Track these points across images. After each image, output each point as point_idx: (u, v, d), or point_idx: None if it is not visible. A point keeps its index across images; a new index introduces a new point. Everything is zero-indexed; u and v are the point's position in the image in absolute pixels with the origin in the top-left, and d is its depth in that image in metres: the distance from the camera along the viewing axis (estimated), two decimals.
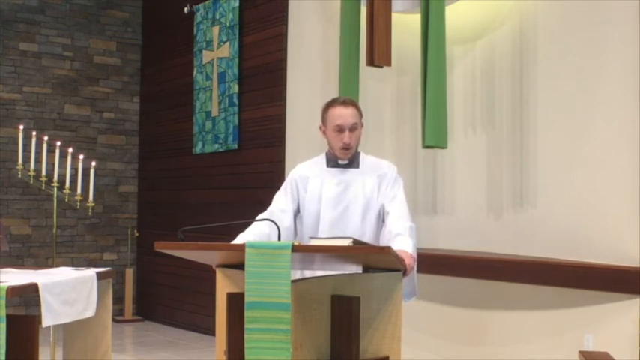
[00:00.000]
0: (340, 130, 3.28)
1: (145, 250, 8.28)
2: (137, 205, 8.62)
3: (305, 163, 3.49)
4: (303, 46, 6.25)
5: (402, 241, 3.14)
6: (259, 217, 3.32)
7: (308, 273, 3.17)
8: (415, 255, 3.13)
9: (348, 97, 3.45)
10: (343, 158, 3.35)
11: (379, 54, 4.71)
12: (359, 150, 3.41)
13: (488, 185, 4.85)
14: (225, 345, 2.79)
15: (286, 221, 3.33)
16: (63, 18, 8.15)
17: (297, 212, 3.39)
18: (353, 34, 4.96)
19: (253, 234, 3.17)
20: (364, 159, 3.41)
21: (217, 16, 7.29)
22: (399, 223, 3.22)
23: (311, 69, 6.11)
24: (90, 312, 3.96)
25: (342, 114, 3.30)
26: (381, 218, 3.32)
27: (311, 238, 3.20)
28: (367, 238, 3.25)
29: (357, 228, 3.26)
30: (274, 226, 3.01)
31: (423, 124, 4.68)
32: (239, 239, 3.11)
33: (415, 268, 3.15)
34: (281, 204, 3.39)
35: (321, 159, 3.43)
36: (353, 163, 3.37)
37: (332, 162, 3.38)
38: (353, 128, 3.30)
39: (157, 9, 8.46)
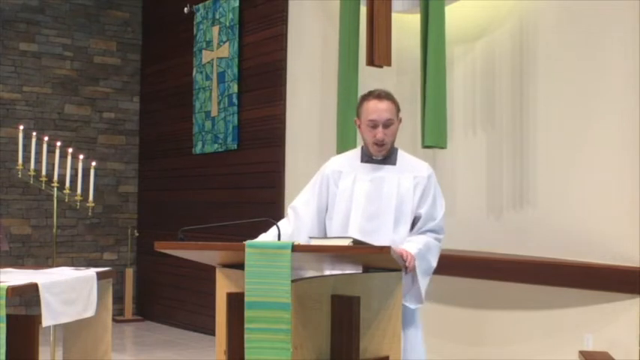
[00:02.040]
0: (374, 125, 3.17)
1: (145, 250, 8.28)
2: (137, 205, 8.62)
3: (339, 157, 3.40)
4: (303, 46, 6.25)
5: (411, 241, 3.12)
6: (289, 209, 3.32)
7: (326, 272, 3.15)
8: (423, 259, 3.10)
9: (384, 90, 3.25)
10: (377, 155, 3.23)
11: (379, 54, 4.71)
12: (396, 146, 3.29)
13: (488, 185, 4.85)
14: (225, 345, 2.79)
15: (307, 216, 3.25)
16: (63, 18, 8.15)
17: (325, 208, 3.27)
18: (353, 34, 4.95)
19: (274, 235, 3.12)
20: (402, 156, 3.29)
21: (217, 16, 7.29)
22: (420, 235, 3.18)
23: (311, 69, 6.11)
24: (90, 312, 3.96)
25: (377, 108, 3.17)
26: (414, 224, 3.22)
27: (311, 238, 3.19)
28: (400, 237, 3.16)
29: (390, 227, 3.15)
30: (297, 225, 2.99)
31: (423, 124, 4.68)
32: (260, 239, 3.10)
33: (422, 276, 3.12)
34: (306, 197, 3.30)
35: (356, 153, 3.32)
36: (389, 159, 3.25)
37: (366, 157, 3.26)
38: (387, 124, 3.17)
39: (157, 9, 8.46)
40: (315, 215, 3.26)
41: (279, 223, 3.18)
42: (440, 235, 3.24)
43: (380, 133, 3.17)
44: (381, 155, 3.23)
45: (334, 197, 3.24)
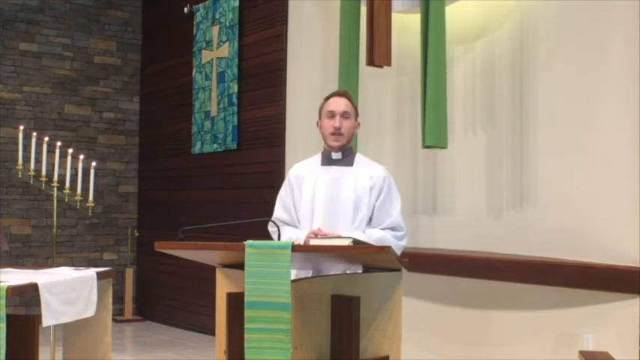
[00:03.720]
0: (332, 115, 3.33)
1: (145, 250, 8.28)
2: (137, 205, 8.62)
3: (302, 162, 3.52)
4: (303, 46, 6.25)
5: (363, 233, 3.20)
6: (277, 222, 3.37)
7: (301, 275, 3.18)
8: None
9: (344, 90, 3.49)
10: (334, 147, 3.34)
11: (379, 54, 4.71)
12: (357, 151, 3.42)
13: (488, 185, 4.85)
14: (225, 345, 2.79)
15: (289, 221, 3.39)
16: (63, 18, 8.15)
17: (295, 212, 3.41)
18: (353, 34, 4.95)
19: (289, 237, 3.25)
20: (359, 159, 3.41)
21: (217, 16, 7.29)
22: (376, 229, 3.27)
23: (311, 69, 6.11)
24: (90, 312, 3.96)
25: (335, 102, 3.37)
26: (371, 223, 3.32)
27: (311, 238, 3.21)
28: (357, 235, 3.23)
29: (348, 225, 3.25)
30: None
31: (423, 124, 4.68)
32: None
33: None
34: (283, 205, 3.45)
35: (317, 157, 3.45)
36: (347, 160, 3.37)
37: (326, 159, 3.40)
38: (345, 115, 3.33)
39: (157, 9, 8.46)
40: (292, 219, 3.41)
41: (284, 229, 3.30)
42: (399, 232, 3.32)
43: (337, 121, 3.31)
44: (339, 150, 3.35)
45: (299, 201, 3.38)
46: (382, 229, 3.28)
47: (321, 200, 3.31)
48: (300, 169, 3.47)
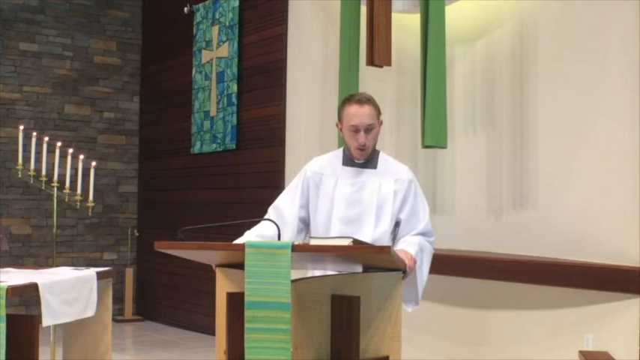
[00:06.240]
0: (356, 130, 3.14)
1: (145, 250, 8.28)
2: (137, 205, 8.62)
3: (321, 158, 3.37)
4: (303, 46, 6.25)
5: (405, 242, 3.11)
6: (270, 209, 3.29)
7: (317, 273, 3.14)
8: (420, 260, 3.09)
9: (364, 95, 3.23)
10: (359, 158, 3.21)
11: (379, 54, 4.71)
12: (378, 149, 3.28)
13: (488, 185, 4.85)
14: (225, 345, 2.79)
15: (291, 214, 3.25)
16: (63, 18, 8.15)
17: (306, 207, 3.27)
18: (353, 34, 4.95)
19: (256, 234, 3.13)
20: (383, 159, 3.27)
21: (217, 16, 7.29)
22: (413, 236, 3.18)
23: (311, 69, 6.11)
24: (90, 312, 3.96)
25: (358, 113, 3.14)
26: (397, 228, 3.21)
27: (311, 237, 3.19)
28: (380, 240, 3.15)
29: (371, 230, 3.15)
30: (280, 224, 2.95)
31: (423, 124, 4.68)
32: (242, 240, 3.07)
33: (419, 277, 3.12)
34: (288, 196, 3.31)
35: (338, 155, 3.30)
36: (370, 162, 3.23)
37: (348, 160, 3.25)
38: (369, 129, 3.14)
39: (157, 9, 8.46)
40: (297, 214, 3.26)
41: (262, 224, 3.19)
42: (430, 237, 3.24)
43: (362, 138, 3.14)
44: (363, 159, 3.22)
45: (315, 200, 3.24)
46: (415, 234, 3.18)
47: (340, 204, 3.18)
48: (318, 165, 3.30)
